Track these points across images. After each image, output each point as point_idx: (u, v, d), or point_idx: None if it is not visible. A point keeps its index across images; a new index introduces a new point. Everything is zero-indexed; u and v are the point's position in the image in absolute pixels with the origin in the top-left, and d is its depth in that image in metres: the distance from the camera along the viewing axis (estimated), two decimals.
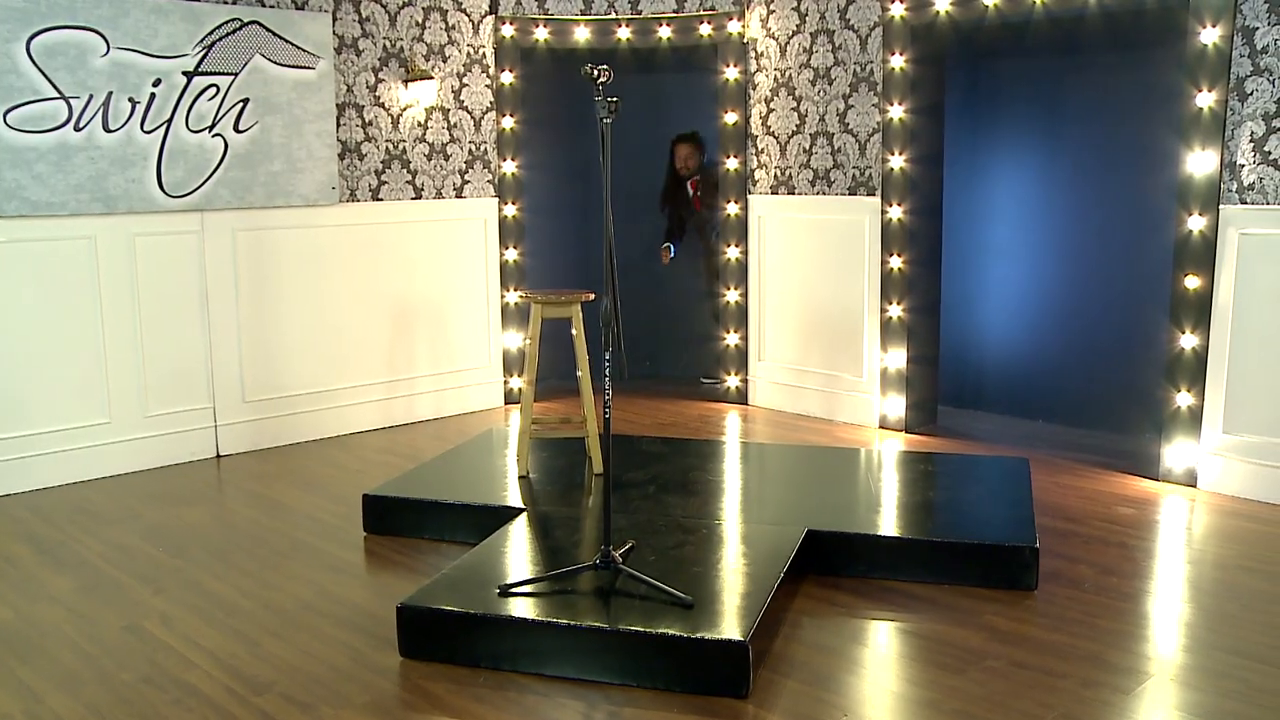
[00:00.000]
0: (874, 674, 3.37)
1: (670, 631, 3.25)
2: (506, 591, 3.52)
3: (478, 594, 3.56)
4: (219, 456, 5.81)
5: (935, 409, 6.43)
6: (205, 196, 5.63)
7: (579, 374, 4.91)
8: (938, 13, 5.75)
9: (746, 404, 6.97)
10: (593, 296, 4.97)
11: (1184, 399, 5.09)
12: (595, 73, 3.46)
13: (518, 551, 4.04)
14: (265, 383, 5.95)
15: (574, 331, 4.88)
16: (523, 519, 4.33)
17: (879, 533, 4.14)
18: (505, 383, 7.01)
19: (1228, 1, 4.83)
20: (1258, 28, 4.79)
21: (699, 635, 3.22)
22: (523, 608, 3.45)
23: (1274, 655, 3.44)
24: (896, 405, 6.24)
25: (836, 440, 6.10)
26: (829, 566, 4.08)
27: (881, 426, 6.31)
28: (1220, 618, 3.73)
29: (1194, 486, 5.09)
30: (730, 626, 3.28)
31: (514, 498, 4.64)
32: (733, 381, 7.04)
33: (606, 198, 3.54)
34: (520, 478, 4.88)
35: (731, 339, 6.99)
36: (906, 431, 6.21)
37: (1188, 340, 5.05)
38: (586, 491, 4.76)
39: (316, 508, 5.01)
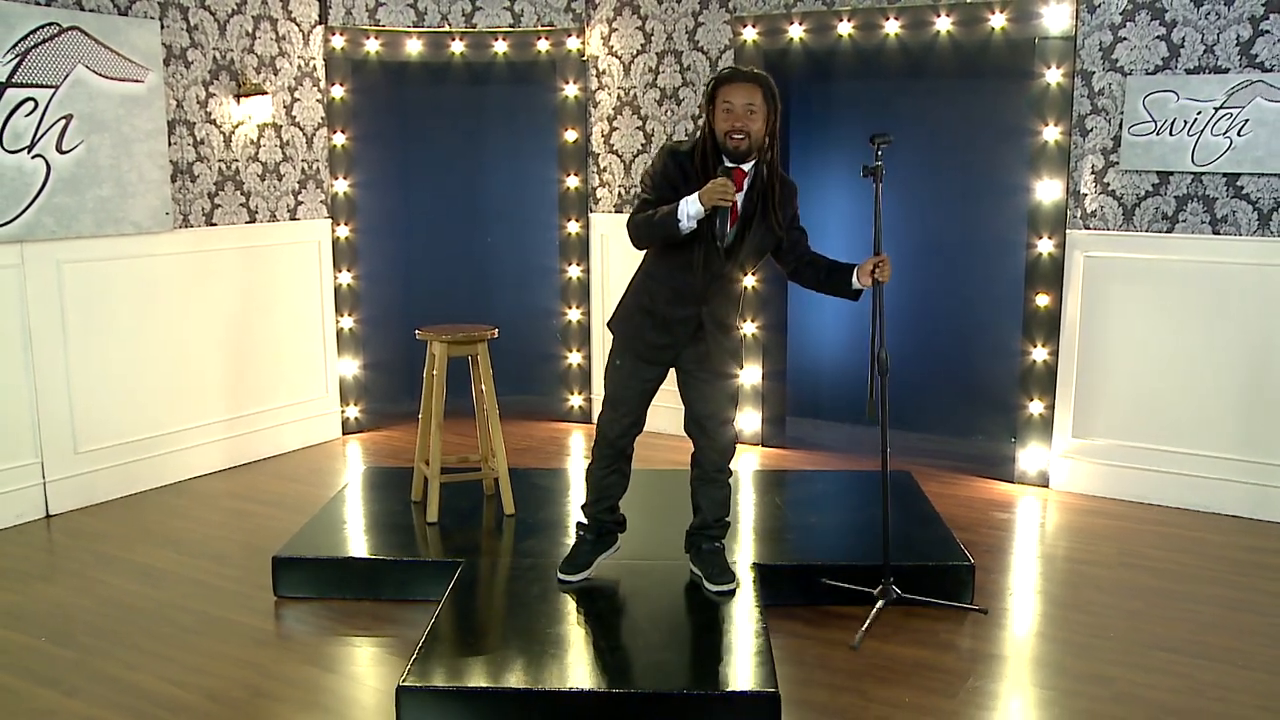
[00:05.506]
0: (884, 707, 3.45)
1: (697, 690, 3.22)
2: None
3: (476, 668, 3.38)
4: (49, 517, 5.17)
5: (785, 422, 6.66)
6: (26, 226, 4.97)
7: (484, 406, 4.74)
8: (791, 39, 5.94)
9: (590, 423, 6.93)
10: (497, 332, 4.80)
11: (1036, 407, 5.55)
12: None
13: (486, 610, 3.86)
14: (99, 430, 5.33)
15: (477, 356, 4.71)
16: (464, 572, 4.12)
17: (824, 561, 4.26)
18: (342, 412, 6.64)
19: (1068, 47, 5.28)
20: (1094, 71, 5.27)
21: (727, 690, 3.21)
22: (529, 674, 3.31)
23: (1195, 648, 3.83)
24: (752, 420, 6.42)
25: None
26: (775, 597, 4.15)
27: (738, 441, 6.45)
28: (1135, 616, 4.10)
29: (1046, 487, 5.56)
30: (748, 677, 3.28)
31: (437, 549, 4.42)
32: (576, 401, 7.00)
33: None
34: (430, 524, 4.65)
35: (574, 358, 6.94)
36: (763, 445, 6.40)
37: (1039, 353, 5.51)
38: (491, 534, 4.59)
39: (199, 570, 4.56)
